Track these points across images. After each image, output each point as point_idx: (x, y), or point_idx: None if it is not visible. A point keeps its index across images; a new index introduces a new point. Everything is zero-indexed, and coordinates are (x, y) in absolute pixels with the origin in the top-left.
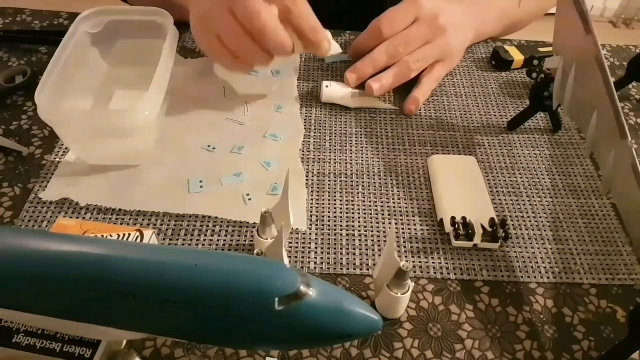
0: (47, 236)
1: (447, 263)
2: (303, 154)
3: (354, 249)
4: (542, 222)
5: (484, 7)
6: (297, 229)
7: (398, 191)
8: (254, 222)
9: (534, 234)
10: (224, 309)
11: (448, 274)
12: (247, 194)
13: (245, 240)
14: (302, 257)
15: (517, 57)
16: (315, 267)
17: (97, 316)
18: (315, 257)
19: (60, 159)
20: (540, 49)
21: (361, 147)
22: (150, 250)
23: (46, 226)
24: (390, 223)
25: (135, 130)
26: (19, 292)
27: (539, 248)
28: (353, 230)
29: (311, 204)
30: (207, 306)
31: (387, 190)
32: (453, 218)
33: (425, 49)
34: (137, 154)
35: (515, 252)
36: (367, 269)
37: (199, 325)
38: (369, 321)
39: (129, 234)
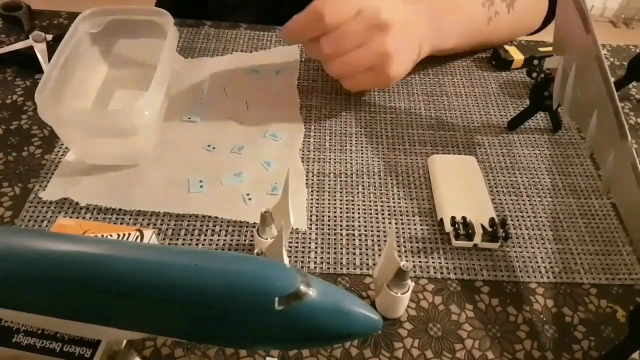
0: (47, 236)
1: (447, 263)
2: (303, 154)
3: (354, 248)
4: (542, 222)
5: (445, 21)
6: (297, 229)
7: (398, 191)
8: (254, 222)
9: (534, 234)
10: (224, 309)
11: (448, 273)
12: (247, 194)
13: (245, 240)
14: (302, 257)
15: (517, 57)
16: (315, 267)
17: (97, 316)
18: (315, 257)
19: (60, 159)
20: (540, 49)
21: (361, 147)
22: (150, 250)
23: (46, 226)
24: (390, 223)
25: (135, 130)
26: (19, 292)
27: (539, 248)
28: (353, 230)
29: (311, 203)
30: (207, 306)
31: (387, 190)
32: (453, 218)
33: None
34: (137, 154)
35: (515, 252)
36: (367, 269)
37: (199, 325)
38: (369, 321)
39: (129, 234)
